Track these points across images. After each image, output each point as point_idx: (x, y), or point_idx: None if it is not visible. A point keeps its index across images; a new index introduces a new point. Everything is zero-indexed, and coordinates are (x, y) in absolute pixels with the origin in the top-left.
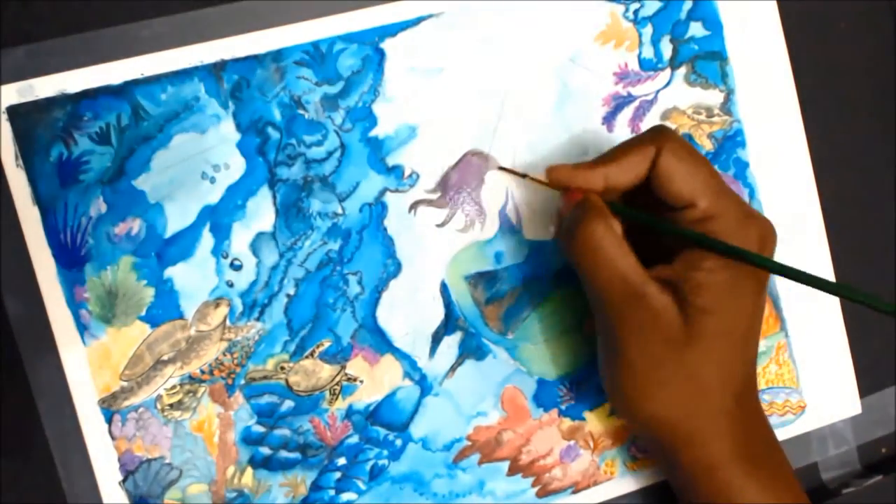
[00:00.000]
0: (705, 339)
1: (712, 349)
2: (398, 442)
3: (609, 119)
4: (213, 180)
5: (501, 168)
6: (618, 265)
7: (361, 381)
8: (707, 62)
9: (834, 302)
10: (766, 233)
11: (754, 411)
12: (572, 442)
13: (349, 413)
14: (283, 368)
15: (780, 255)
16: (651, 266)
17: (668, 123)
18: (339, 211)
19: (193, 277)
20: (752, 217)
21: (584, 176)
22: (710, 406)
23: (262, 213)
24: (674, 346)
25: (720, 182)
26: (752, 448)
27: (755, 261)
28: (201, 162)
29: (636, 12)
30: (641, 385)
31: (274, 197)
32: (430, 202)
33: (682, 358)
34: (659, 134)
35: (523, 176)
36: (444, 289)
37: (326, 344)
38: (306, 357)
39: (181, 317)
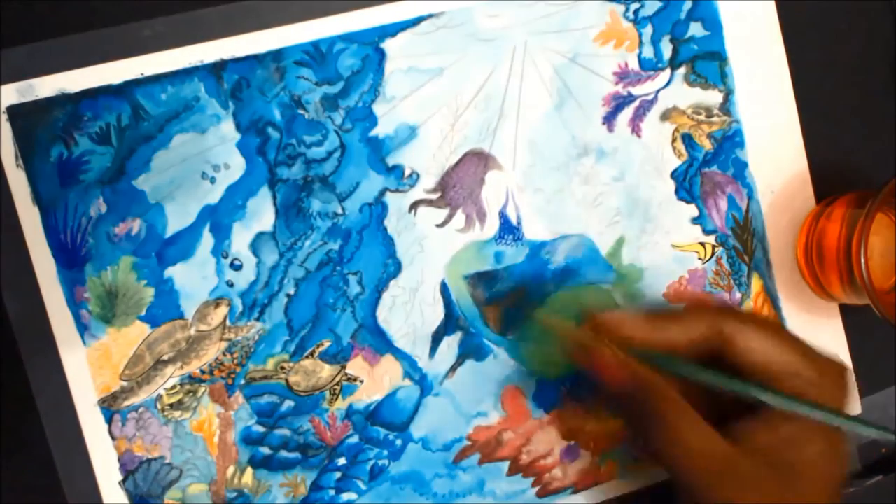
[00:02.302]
0: (801, 490)
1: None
2: (398, 442)
3: (609, 119)
4: (213, 180)
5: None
6: (707, 454)
7: (361, 381)
8: (707, 62)
9: (833, 303)
10: (844, 384)
11: None
12: (572, 442)
13: (349, 413)
14: (283, 368)
15: (780, 254)
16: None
17: (667, 124)
18: (339, 211)
19: (193, 277)
20: (828, 376)
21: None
22: None
23: (262, 213)
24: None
25: (800, 358)
26: None
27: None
28: (201, 162)
29: (636, 12)
30: None
31: (274, 197)
32: (430, 202)
33: None
34: (732, 312)
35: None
36: (444, 289)
37: (326, 344)
38: (306, 357)
39: (181, 317)
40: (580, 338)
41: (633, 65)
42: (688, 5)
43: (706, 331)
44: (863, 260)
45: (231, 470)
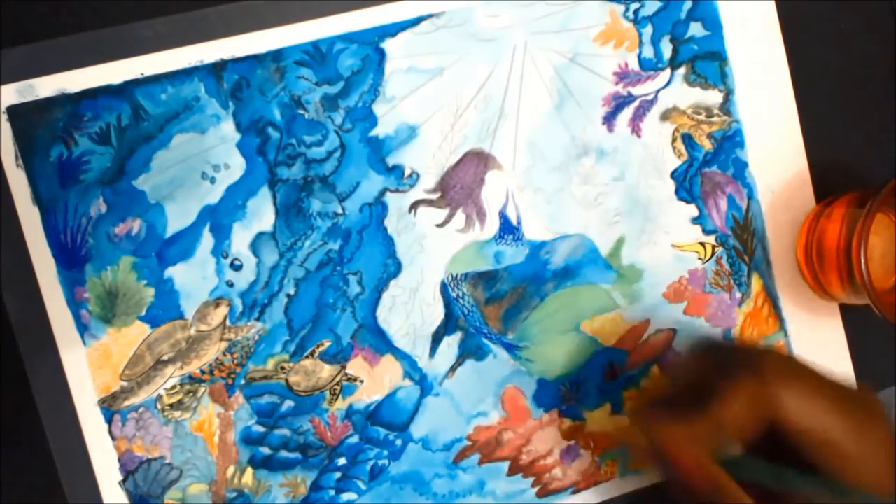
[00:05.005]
0: None
1: None
2: (398, 442)
3: (609, 119)
4: (213, 180)
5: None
6: None
7: (361, 381)
8: (707, 62)
9: (833, 303)
10: (886, 431)
11: None
12: (572, 442)
13: (349, 413)
14: (283, 368)
15: (780, 254)
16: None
17: (667, 124)
18: (339, 211)
19: (193, 277)
20: (870, 427)
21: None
22: None
23: (262, 213)
24: None
25: (843, 404)
26: None
27: None
28: (201, 162)
29: (636, 12)
30: None
31: (274, 197)
32: (430, 202)
33: None
34: (770, 374)
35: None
36: (444, 289)
37: (326, 344)
38: (306, 357)
39: (181, 317)
40: (663, 442)
41: (633, 65)
42: (688, 5)
43: (752, 412)
44: (863, 260)
45: (231, 470)
